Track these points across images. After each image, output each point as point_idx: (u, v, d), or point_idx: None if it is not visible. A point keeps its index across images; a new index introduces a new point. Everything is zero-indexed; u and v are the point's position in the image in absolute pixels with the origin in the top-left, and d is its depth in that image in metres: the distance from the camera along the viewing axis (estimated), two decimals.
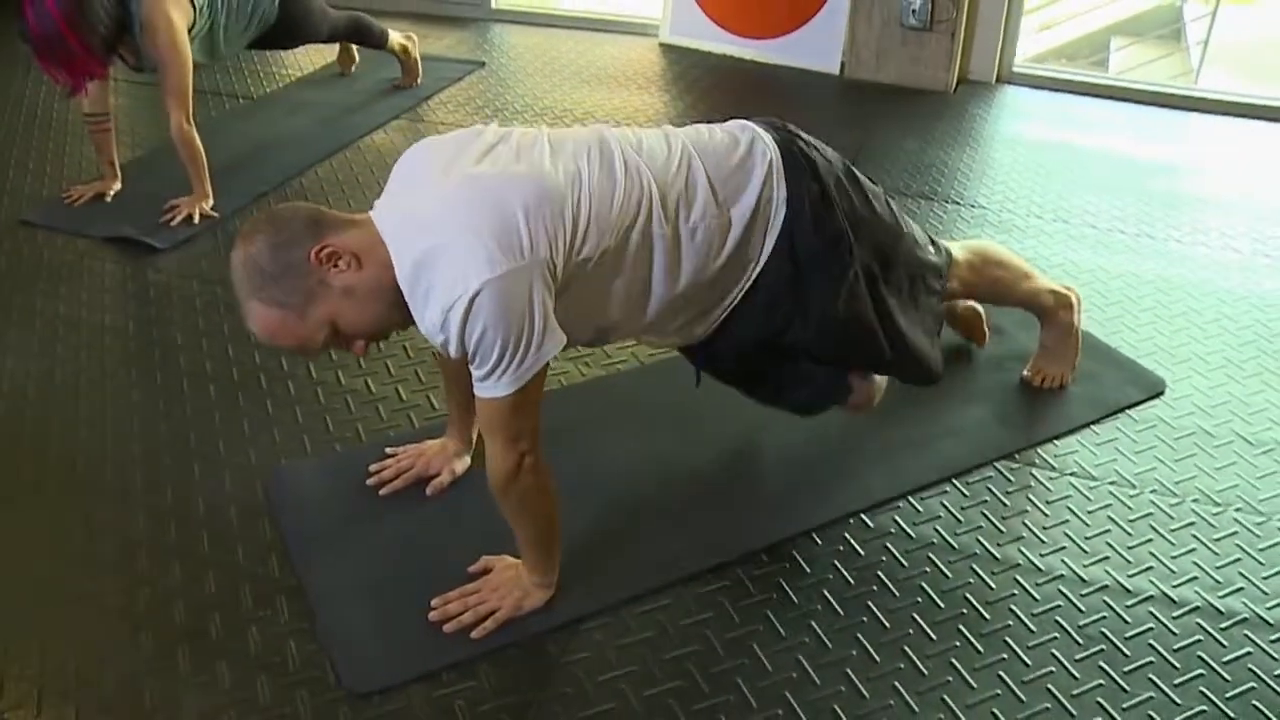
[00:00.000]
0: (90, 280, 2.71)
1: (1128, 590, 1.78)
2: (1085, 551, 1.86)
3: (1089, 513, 1.95)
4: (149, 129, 3.55)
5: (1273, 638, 1.69)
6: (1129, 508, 1.96)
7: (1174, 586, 1.79)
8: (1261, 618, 1.73)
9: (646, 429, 2.12)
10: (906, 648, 1.68)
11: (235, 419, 2.19)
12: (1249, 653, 1.67)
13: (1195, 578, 1.81)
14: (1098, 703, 1.58)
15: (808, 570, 1.82)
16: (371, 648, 1.66)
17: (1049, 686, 1.61)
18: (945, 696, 1.60)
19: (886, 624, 1.72)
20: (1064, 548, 1.87)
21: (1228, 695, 1.60)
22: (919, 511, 1.95)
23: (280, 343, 1.51)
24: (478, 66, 4.18)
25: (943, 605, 1.75)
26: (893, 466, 2.02)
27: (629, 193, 1.55)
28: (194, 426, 2.17)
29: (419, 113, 3.75)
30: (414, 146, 1.63)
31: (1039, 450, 2.10)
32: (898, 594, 1.78)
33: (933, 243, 1.96)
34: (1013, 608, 1.75)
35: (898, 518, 1.93)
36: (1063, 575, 1.81)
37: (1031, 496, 1.98)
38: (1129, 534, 1.90)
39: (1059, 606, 1.75)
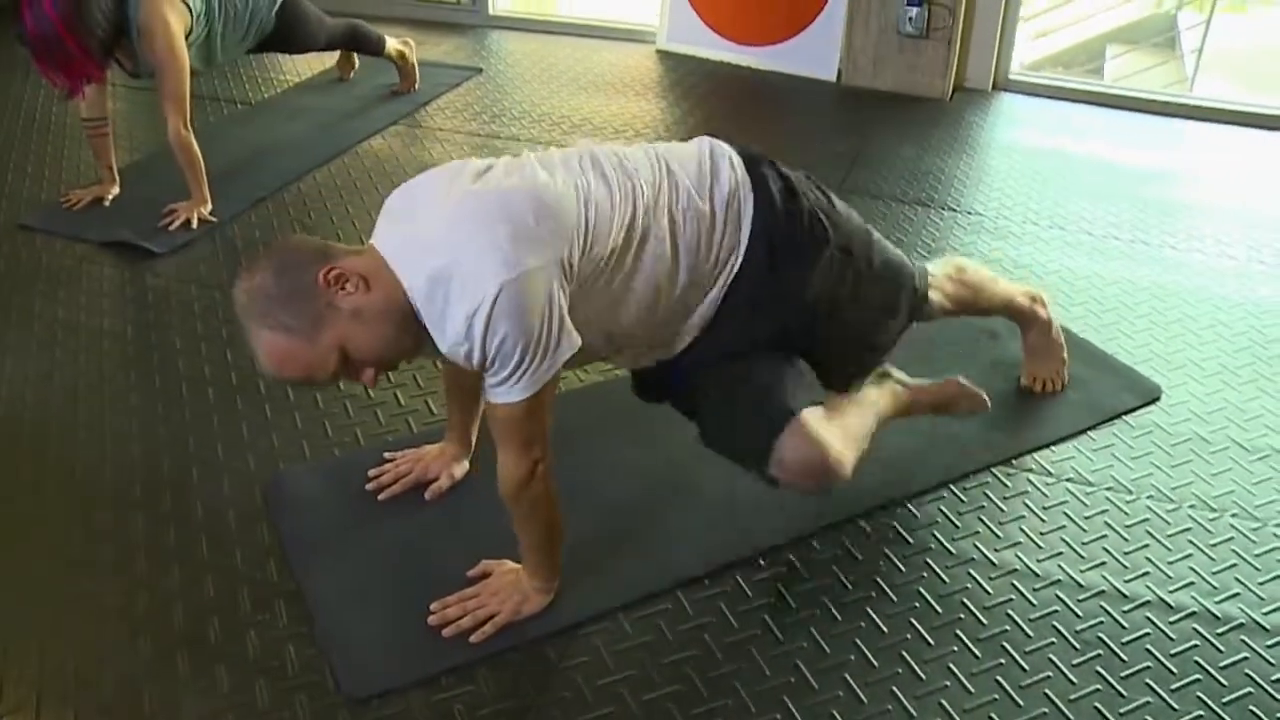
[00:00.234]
0: (89, 284, 2.71)
1: (1124, 595, 1.79)
2: (1082, 557, 1.87)
3: (1086, 518, 1.95)
4: (147, 133, 3.55)
5: (1269, 643, 1.70)
6: (1125, 513, 1.97)
7: (1170, 592, 1.80)
8: (1258, 623, 1.74)
9: (645, 434, 2.12)
10: (904, 652, 1.68)
11: (234, 423, 2.19)
12: (1245, 658, 1.68)
13: (1192, 583, 1.81)
14: (1095, 707, 1.59)
15: (805, 575, 1.83)
16: (370, 652, 1.67)
17: (1046, 691, 1.62)
18: (943, 701, 1.60)
19: (884, 629, 1.72)
20: (1061, 553, 1.87)
21: (1224, 700, 1.60)
22: (916, 517, 1.95)
23: (289, 372, 1.48)
24: (475, 73, 4.18)
25: (940, 610, 1.76)
26: (890, 472, 2.02)
27: (624, 193, 1.58)
28: (192, 431, 2.18)
29: (417, 118, 3.76)
30: (400, 187, 1.63)
31: (1035, 456, 2.11)
32: (895, 599, 1.78)
33: (915, 283, 1.95)
34: (1010, 613, 1.75)
35: (895, 523, 1.94)
36: (1060, 580, 1.81)
37: (1028, 502, 1.99)
38: (1125, 539, 1.91)
39: (1056, 612, 1.75)
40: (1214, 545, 1.89)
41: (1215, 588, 1.80)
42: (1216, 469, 2.08)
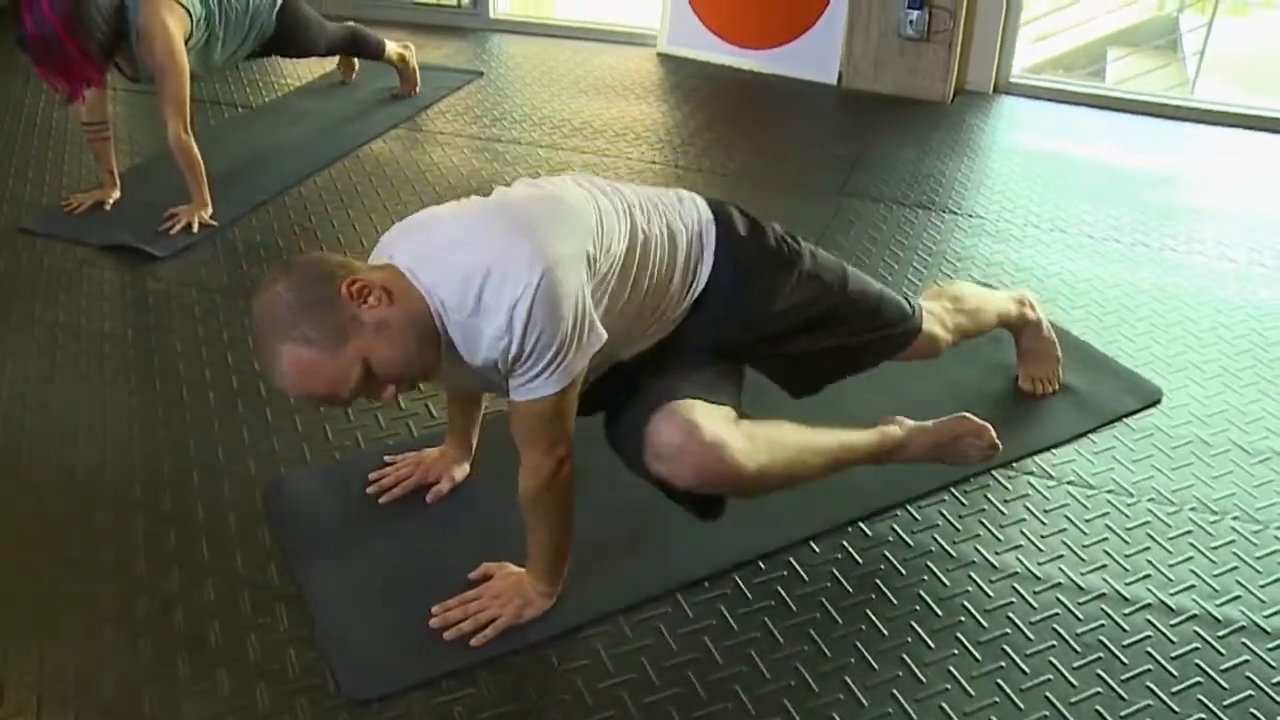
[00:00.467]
0: (89, 288, 2.71)
1: (1125, 598, 1.79)
2: (1083, 560, 1.86)
3: (1086, 521, 1.95)
4: (148, 137, 3.56)
5: (1270, 645, 1.70)
6: (1126, 516, 1.97)
7: (1171, 594, 1.79)
8: (1259, 626, 1.73)
9: None
10: (905, 655, 1.68)
11: (234, 427, 2.20)
12: (1246, 660, 1.67)
13: (1193, 586, 1.81)
14: (1096, 710, 1.59)
15: (806, 578, 1.83)
16: (371, 655, 1.66)
17: (1047, 694, 1.61)
18: (943, 704, 1.60)
19: (885, 632, 1.72)
20: (1062, 556, 1.87)
21: (1225, 703, 1.60)
22: (917, 520, 1.95)
23: (311, 387, 1.45)
24: (476, 76, 4.19)
25: (941, 613, 1.76)
26: (891, 475, 2.01)
27: (616, 206, 1.63)
28: (193, 434, 2.18)
29: (417, 122, 3.76)
30: (395, 225, 1.64)
31: (1036, 459, 2.10)
32: (896, 602, 1.78)
33: (905, 298, 1.96)
34: (1011, 616, 1.75)
35: (896, 526, 1.94)
36: (1060, 583, 1.81)
37: (1029, 505, 1.99)
38: (1126, 542, 1.90)
39: (1057, 614, 1.75)
40: (1215, 548, 1.89)
41: (1216, 591, 1.80)
42: (1217, 472, 2.08)
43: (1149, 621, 1.74)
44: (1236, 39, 5.40)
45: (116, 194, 3.13)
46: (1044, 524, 1.94)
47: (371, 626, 1.71)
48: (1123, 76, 4.92)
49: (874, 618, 1.75)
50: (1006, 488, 2.03)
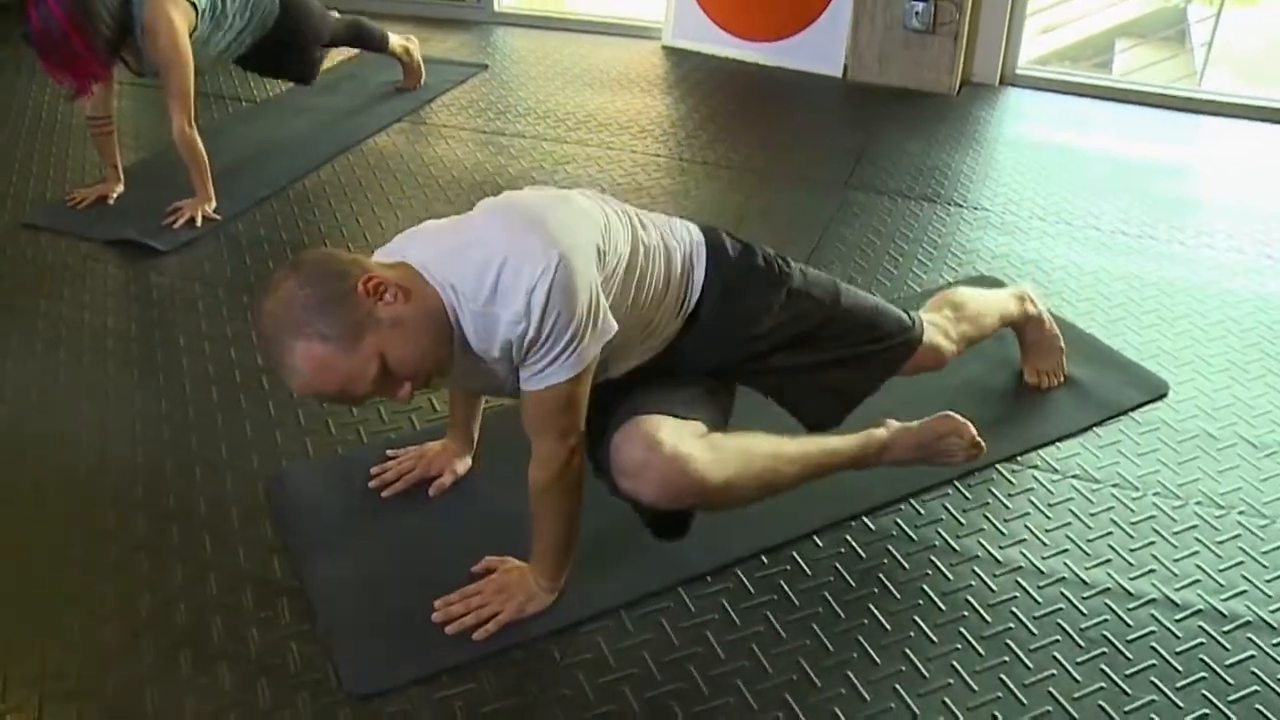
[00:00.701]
0: (93, 283, 2.71)
1: (1130, 593, 1.78)
2: (1087, 554, 1.85)
3: (1091, 515, 1.94)
4: (152, 132, 3.55)
5: (1275, 641, 1.69)
6: (1131, 510, 1.96)
7: (1176, 589, 1.78)
8: (1265, 621, 1.72)
9: None
10: (908, 650, 1.67)
11: (237, 421, 2.19)
12: (1252, 656, 1.66)
13: (1198, 581, 1.80)
14: (1099, 706, 1.58)
15: (809, 572, 1.82)
16: (373, 649, 1.66)
17: (1050, 689, 1.61)
18: (946, 699, 1.59)
19: (888, 626, 1.72)
20: (1066, 550, 1.86)
21: (1230, 699, 1.59)
22: (920, 514, 1.94)
23: (325, 384, 1.43)
24: (480, 69, 4.18)
25: (944, 608, 1.75)
26: (894, 469, 2.01)
27: (614, 216, 1.64)
28: (196, 429, 2.18)
29: (421, 115, 3.75)
30: (400, 234, 1.65)
31: (1041, 453, 2.09)
32: (899, 596, 1.77)
33: (904, 310, 1.95)
34: (1014, 610, 1.74)
35: (899, 520, 1.93)
36: (1064, 578, 1.80)
37: (1033, 499, 1.98)
38: (1131, 537, 1.89)
39: (1061, 609, 1.74)
40: (1221, 542, 1.88)
41: (1222, 585, 1.79)
42: (1224, 466, 2.07)
43: (1153, 617, 1.73)
44: (1245, 30, 5.37)
45: (120, 188, 3.13)
46: (1048, 518, 1.93)
47: (373, 621, 1.71)
48: (1130, 68, 4.90)
49: (877, 612, 1.74)
50: (1011, 482, 2.02)
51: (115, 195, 3.11)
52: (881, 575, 1.81)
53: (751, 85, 4.09)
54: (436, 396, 2.25)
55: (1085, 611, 1.74)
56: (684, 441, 1.56)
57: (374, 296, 1.43)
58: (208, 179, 2.98)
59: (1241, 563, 1.84)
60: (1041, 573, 1.82)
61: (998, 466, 2.05)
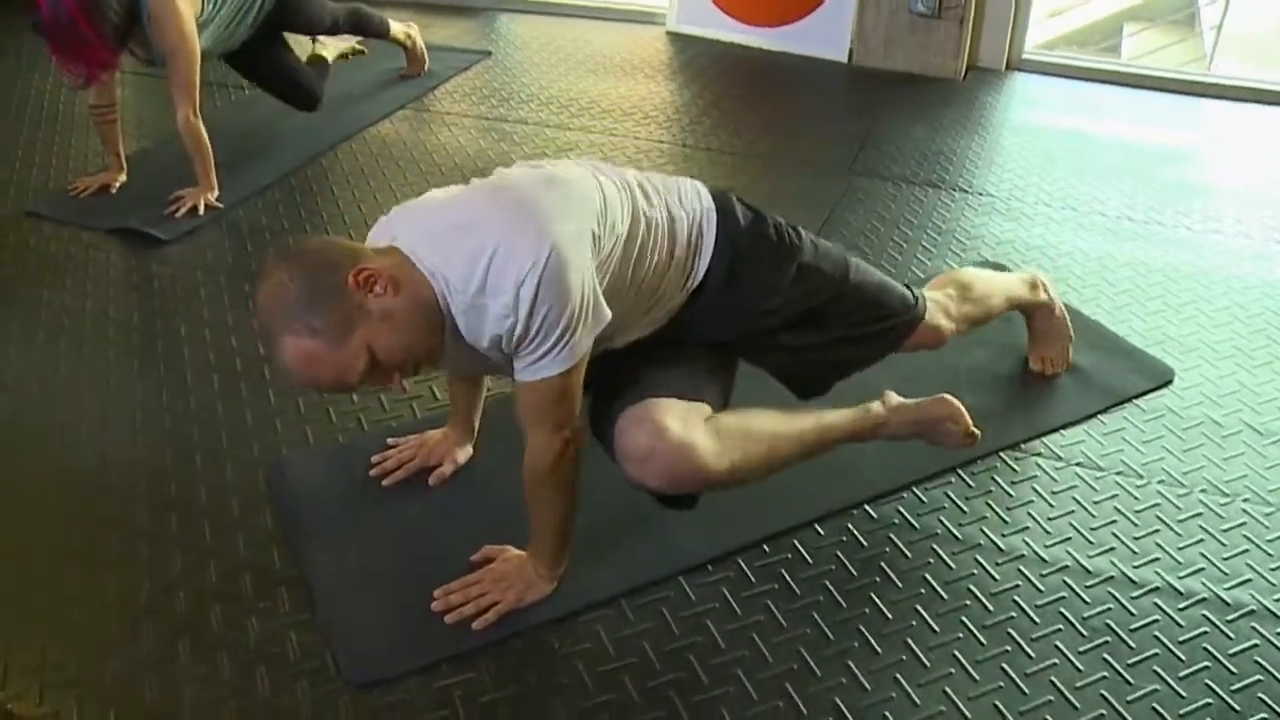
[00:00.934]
0: (95, 272, 2.71)
1: (1133, 581, 1.77)
2: (1091, 543, 1.84)
3: (1095, 503, 1.93)
4: (155, 120, 3.54)
5: (1279, 629, 1.68)
6: (1135, 498, 1.94)
7: (1180, 578, 1.77)
8: (1269, 609, 1.71)
9: None
10: (909, 639, 1.67)
11: (238, 410, 2.19)
12: (1255, 645, 1.65)
13: (1202, 569, 1.79)
14: (1102, 695, 1.57)
15: (810, 561, 1.81)
16: (372, 639, 1.66)
17: (1052, 679, 1.60)
18: (948, 689, 1.58)
19: (889, 615, 1.71)
20: (1069, 539, 1.85)
21: (1233, 688, 1.58)
22: (923, 502, 1.93)
23: (317, 377, 1.44)
24: (484, 56, 4.16)
25: (946, 597, 1.74)
26: (896, 457, 2.00)
27: (617, 186, 1.62)
28: (197, 418, 2.17)
29: (425, 102, 3.74)
30: (396, 207, 1.63)
31: (1044, 440, 2.08)
32: (900, 585, 1.76)
33: (907, 286, 1.93)
34: (1016, 599, 1.73)
35: (901, 508, 1.92)
36: (1068, 566, 1.79)
37: (1037, 487, 1.97)
38: (1135, 525, 1.88)
39: (1063, 598, 1.73)
40: (1225, 530, 1.87)
41: (1226, 573, 1.78)
42: (1229, 453, 2.05)
43: (1157, 605, 1.72)
44: (1254, 14, 5.32)
45: (123, 177, 3.12)
46: (1052, 506, 1.92)
47: (373, 609, 1.71)
48: (1138, 52, 4.86)
49: (878, 601, 1.73)
50: (1014, 469, 2.01)
51: (118, 184, 3.10)
52: (883, 564, 1.81)
53: (756, 70, 4.07)
54: (437, 385, 2.24)
55: (1088, 600, 1.73)
56: (689, 429, 1.56)
57: (364, 289, 1.43)
58: (211, 168, 2.98)
59: (1246, 551, 1.83)
60: (1044, 561, 1.81)
61: (1001, 454, 2.04)
